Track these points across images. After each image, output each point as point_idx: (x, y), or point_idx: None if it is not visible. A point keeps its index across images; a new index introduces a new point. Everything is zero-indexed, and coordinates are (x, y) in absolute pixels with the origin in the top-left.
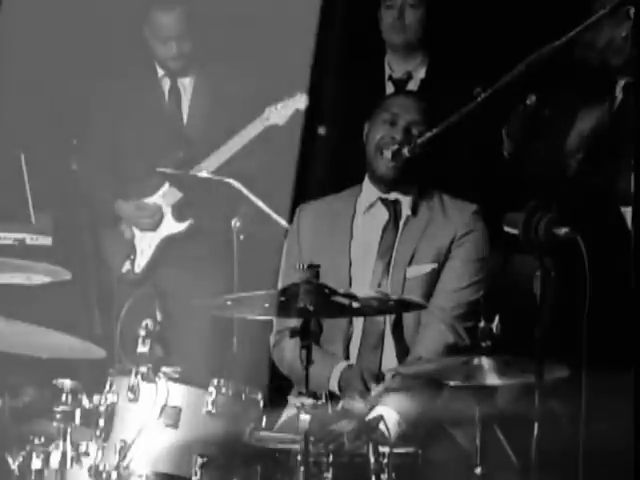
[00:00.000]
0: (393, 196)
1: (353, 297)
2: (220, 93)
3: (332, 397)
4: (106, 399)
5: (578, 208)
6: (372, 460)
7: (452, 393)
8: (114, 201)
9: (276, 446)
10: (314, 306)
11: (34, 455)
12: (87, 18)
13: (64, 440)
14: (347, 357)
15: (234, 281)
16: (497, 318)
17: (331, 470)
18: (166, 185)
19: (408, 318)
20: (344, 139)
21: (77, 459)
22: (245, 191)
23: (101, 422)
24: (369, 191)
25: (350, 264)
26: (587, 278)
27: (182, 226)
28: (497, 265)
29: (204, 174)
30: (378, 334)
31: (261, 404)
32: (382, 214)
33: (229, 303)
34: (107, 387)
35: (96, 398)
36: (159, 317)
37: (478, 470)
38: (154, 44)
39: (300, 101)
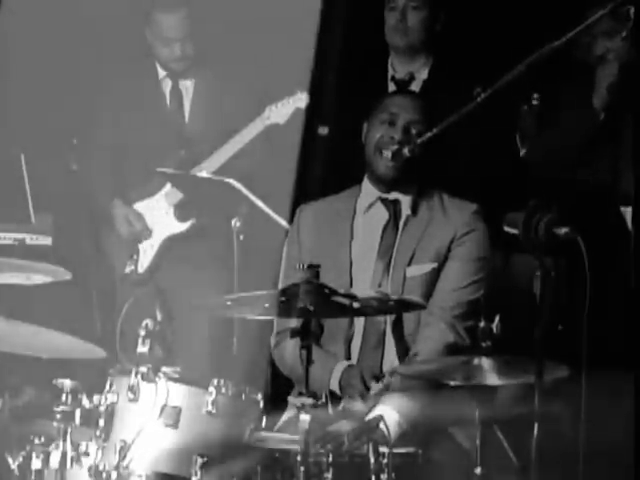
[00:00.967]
0: (393, 196)
1: (353, 297)
2: (221, 94)
3: (332, 397)
4: (106, 399)
5: (578, 208)
6: (372, 460)
7: (452, 393)
8: (114, 200)
9: (276, 446)
10: (314, 306)
11: (34, 455)
12: (87, 18)
13: (64, 440)
14: (348, 357)
15: (234, 281)
16: (497, 318)
17: (331, 470)
18: (168, 185)
19: (408, 318)
20: (345, 139)
21: (77, 459)
22: (245, 191)
23: (101, 422)
24: (369, 191)
25: (351, 264)
26: (587, 278)
27: (184, 226)
28: (497, 265)
29: (204, 174)
30: (379, 334)
31: (261, 404)
32: (382, 214)
33: (229, 303)
34: (107, 387)
35: (96, 398)
36: (159, 317)
37: (478, 470)
38: (156, 46)
39: (301, 100)
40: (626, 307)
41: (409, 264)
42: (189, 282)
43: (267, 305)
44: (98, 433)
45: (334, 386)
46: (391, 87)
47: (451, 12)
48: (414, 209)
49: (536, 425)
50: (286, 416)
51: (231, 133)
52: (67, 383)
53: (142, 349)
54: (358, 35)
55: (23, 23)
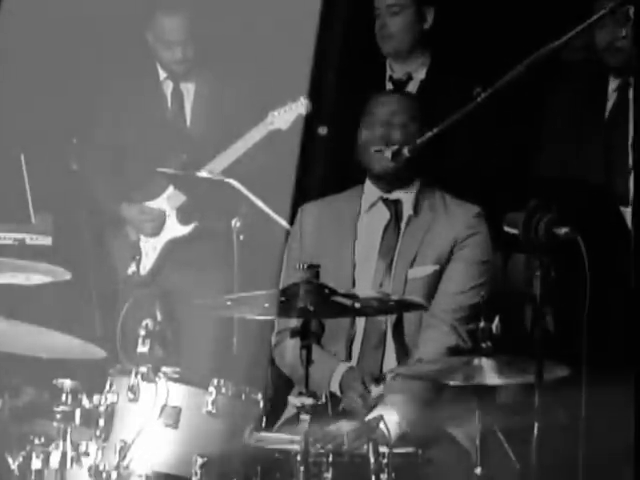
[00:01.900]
0: (394, 196)
1: (353, 297)
2: (223, 97)
3: (332, 397)
4: (106, 399)
5: (578, 208)
6: (372, 460)
7: (452, 393)
8: (116, 202)
9: (276, 446)
10: (314, 306)
11: (34, 455)
12: (88, 19)
13: (64, 440)
14: (349, 357)
15: (234, 281)
16: (497, 318)
17: (331, 470)
18: (170, 188)
19: (409, 319)
20: (345, 139)
21: (77, 459)
22: (245, 191)
23: (101, 422)
24: (370, 191)
25: (354, 265)
26: (587, 278)
27: (187, 229)
28: (498, 266)
29: (204, 174)
30: (379, 334)
31: (261, 404)
32: (383, 214)
33: (229, 303)
34: (107, 387)
35: (96, 398)
36: (159, 317)
37: (478, 470)
38: (158, 48)
39: (303, 106)
40: (626, 307)
41: (411, 266)
42: (189, 282)
43: (267, 305)
44: (98, 433)
45: (334, 388)
46: (389, 87)
47: (448, 11)
48: (416, 209)
49: (536, 425)
50: (286, 416)
51: (232, 135)
52: (67, 383)
53: (142, 349)
54: (357, 36)
55: (23, 23)
